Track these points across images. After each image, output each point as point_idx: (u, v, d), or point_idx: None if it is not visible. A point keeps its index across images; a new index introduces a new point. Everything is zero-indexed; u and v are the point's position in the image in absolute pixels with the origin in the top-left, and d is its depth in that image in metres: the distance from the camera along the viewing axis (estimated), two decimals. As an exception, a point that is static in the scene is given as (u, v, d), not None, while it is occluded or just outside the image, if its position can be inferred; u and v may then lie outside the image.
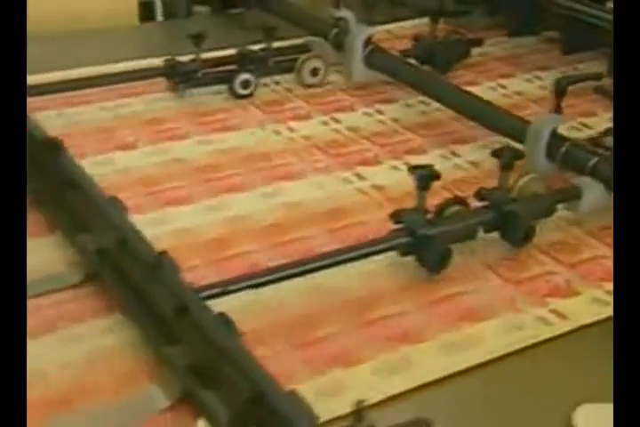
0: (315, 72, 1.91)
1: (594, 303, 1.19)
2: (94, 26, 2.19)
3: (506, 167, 1.31)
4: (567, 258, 1.30)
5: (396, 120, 1.76)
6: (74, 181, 1.27)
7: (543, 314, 1.16)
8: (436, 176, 1.25)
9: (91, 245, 1.21)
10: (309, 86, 1.90)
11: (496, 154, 1.32)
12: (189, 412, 0.97)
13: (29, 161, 1.43)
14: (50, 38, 2.01)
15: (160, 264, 1.07)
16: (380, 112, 1.80)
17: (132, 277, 1.12)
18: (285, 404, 0.86)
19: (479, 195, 1.31)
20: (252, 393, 0.88)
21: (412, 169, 1.25)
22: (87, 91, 1.78)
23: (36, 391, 0.99)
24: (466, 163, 1.59)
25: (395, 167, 1.56)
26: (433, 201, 1.27)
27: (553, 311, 1.17)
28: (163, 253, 1.08)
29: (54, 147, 1.34)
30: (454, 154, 1.62)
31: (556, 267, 1.27)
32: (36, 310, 1.14)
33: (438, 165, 1.29)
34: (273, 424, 0.85)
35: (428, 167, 1.25)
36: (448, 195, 1.38)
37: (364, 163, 1.58)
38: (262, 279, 1.09)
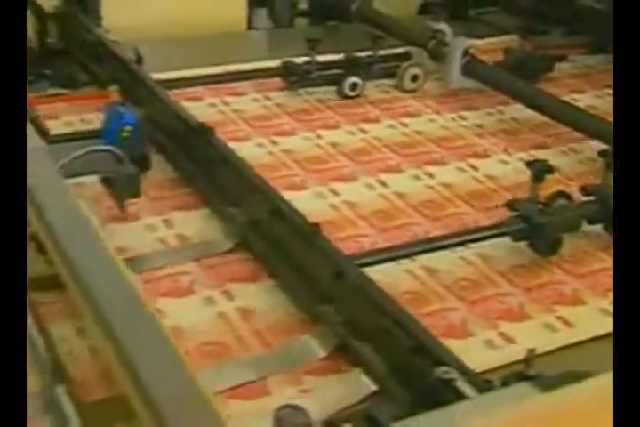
0: (414, 78, 1.99)
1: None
2: (207, 31, 2.28)
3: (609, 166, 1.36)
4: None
5: (480, 126, 1.82)
6: (226, 161, 1.35)
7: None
8: (549, 170, 1.31)
9: (241, 216, 1.29)
10: (409, 91, 1.97)
11: (603, 154, 1.38)
12: (344, 361, 1.05)
13: (182, 144, 1.53)
14: (177, 41, 2.12)
15: (316, 234, 1.14)
16: (462, 118, 1.86)
17: (284, 245, 1.19)
18: (443, 353, 0.93)
19: (584, 190, 1.37)
20: (412, 344, 0.95)
21: (530, 164, 1.32)
22: (214, 86, 1.89)
23: (195, 343, 1.07)
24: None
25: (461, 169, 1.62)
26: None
27: None
28: (318, 224, 1.15)
29: (206, 131, 1.42)
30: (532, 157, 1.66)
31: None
32: (193, 273, 1.22)
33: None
34: (432, 373, 0.91)
35: (544, 162, 1.32)
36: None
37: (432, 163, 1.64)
38: (412, 250, 1.16)
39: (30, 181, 1.14)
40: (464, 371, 0.86)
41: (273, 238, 1.22)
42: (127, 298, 0.94)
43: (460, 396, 0.82)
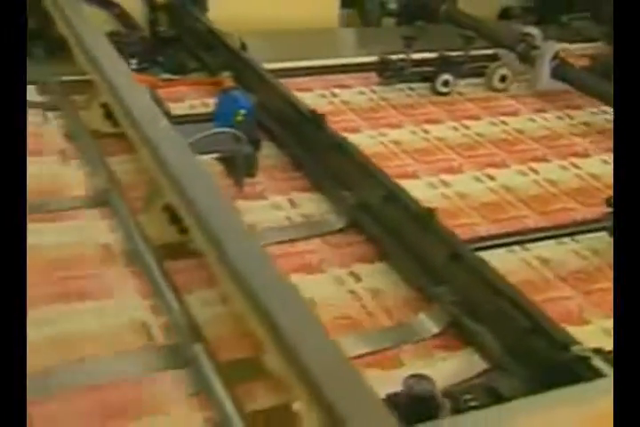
0: (502, 79, 1.98)
1: None
2: (302, 26, 2.30)
3: None
4: None
5: (583, 125, 1.81)
6: (339, 147, 1.37)
7: None
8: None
9: (352, 199, 1.31)
10: (497, 90, 1.97)
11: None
12: (456, 339, 1.06)
13: (292, 130, 1.54)
14: (275, 34, 2.14)
15: (431, 218, 1.15)
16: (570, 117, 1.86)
17: (398, 228, 1.21)
18: (559, 334, 0.93)
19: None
20: (529, 325, 0.95)
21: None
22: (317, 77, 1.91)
23: (328, 316, 1.09)
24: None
25: (563, 167, 1.61)
26: None
27: None
28: (433, 209, 1.16)
29: (318, 118, 1.44)
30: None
31: None
32: (303, 251, 1.24)
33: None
34: (548, 352, 0.92)
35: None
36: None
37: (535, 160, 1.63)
38: (523, 238, 1.16)
39: (167, 156, 1.19)
40: (596, 350, 0.87)
41: (386, 221, 1.23)
42: (267, 267, 0.96)
43: (598, 373, 0.82)
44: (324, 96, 1.85)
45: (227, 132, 1.35)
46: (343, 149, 1.37)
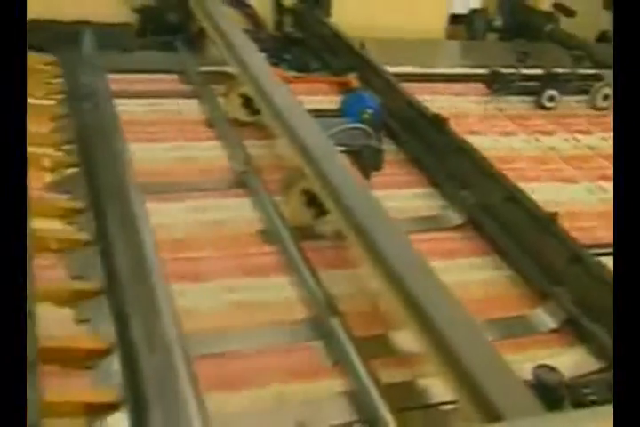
0: (605, 98, 1.96)
1: None
2: (411, 37, 2.32)
3: None
4: None
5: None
6: (461, 149, 1.39)
7: None
8: None
9: (471, 198, 1.33)
10: (600, 109, 1.96)
11: None
12: (571, 336, 1.06)
13: (413, 130, 1.56)
14: (387, 41, 2.17)
15: (553, 222, 1.16)
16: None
17: (516, 228, 1.22)
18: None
19: None
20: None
21: None
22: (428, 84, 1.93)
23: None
24: None
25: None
26: None
27: None
28: (556, 213, 1.17)
29: (441, 122, 1.46)
30: None
31: None
32: (426, 243, 1.26)
33: None
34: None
35: None
36: None
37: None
38: None
39: (309, 145, 1.23)
40: None
41: (505, 221, 1.24)
42: (407, 250, 0.99)
43: None
44: (433, 101, 1.86)
45: (359, 128, 1.39)
46: (464, 150, 1.39)
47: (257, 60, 1.56)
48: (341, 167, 1.16)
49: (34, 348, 0.86)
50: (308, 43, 1.99)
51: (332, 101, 1.71)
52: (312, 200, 1.21)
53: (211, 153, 1.46)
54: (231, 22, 1.79)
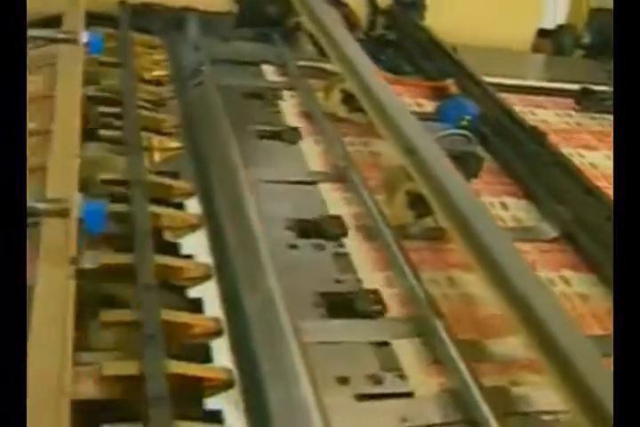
0: (695, 123, 1.94)
1: None
2: (498, 46, 2.32)
3: None
4: None
5: None
6: (559, 163, 1.39)
7: None
8: None
9: (567, 214, 1.33)
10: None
11: None
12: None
13: (508, 141, 1.56)
14: (474, 49, 2.17)
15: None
16: None
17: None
18: None
19: None
20: None
21: None
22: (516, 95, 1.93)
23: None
24: None
25: None
26: None
27: None
28: (660, 235, 1.16)
29: (540, 135, 1.46)
30: None
31: None
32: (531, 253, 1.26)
33: None
34: None
35: None
36: None
37: None
38: None
39: (417, 146, 1.24)
40: None
41: (605, 239, 1.24)
42: (516, 256, 1.00)
43: None
44: (522, 113, 1.86)
45: (460, 134, 1.40)
46: (562, 165, 1.39)
47: (361, 57, 1.57)
48: (449, 170, 1.17)
49: (156, 320, 0.89)
50: (401, 45, 2.01)
51: (426, 105, 1.73)
52: (415, 201, 1.22)
53: (309, 146, 1.49)
54: (332, 18, 1.81)
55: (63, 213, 1.00)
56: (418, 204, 1.21)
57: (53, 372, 0.77)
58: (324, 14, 1.81)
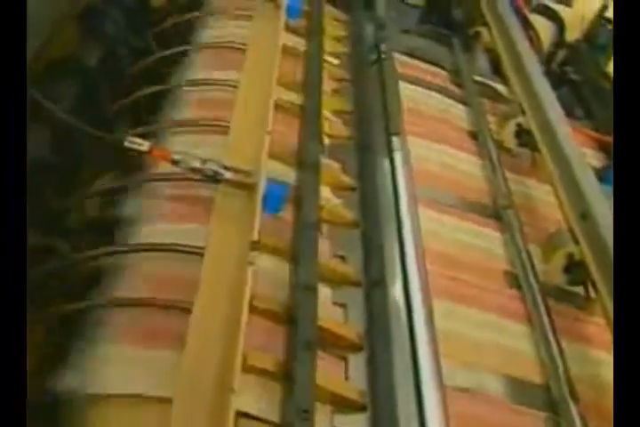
0: None
1: None
2: None
3: None
4: None
5: None
6: None
7: None
8: None
9: None
10: None
11: None
12: None
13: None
14: None
15: None
16: None
17: None
18: None
19: None
20: None
21: None
22: None
23: None
24: None
25: None
26: None
27: None
28: None
29: None
30: None
31: None
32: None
33: None
34: None
35: None
36: None
37: None
38: None
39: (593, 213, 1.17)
40: None
41: None
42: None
43: None
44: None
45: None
46: None
47: (546, 91, 1.50)
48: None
49: (314, 327, 0.85)
50: (578, 86, 1.91)
51: (590, 156, 1.63)
52: (572, 266, 1.16)
53: (470, 168, 1.42)
54: (522, 37, 1.72)
55: (247, 187, 0.97)
56: (575, 270, 1.15)
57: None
58: (514, 30, 1.73)
